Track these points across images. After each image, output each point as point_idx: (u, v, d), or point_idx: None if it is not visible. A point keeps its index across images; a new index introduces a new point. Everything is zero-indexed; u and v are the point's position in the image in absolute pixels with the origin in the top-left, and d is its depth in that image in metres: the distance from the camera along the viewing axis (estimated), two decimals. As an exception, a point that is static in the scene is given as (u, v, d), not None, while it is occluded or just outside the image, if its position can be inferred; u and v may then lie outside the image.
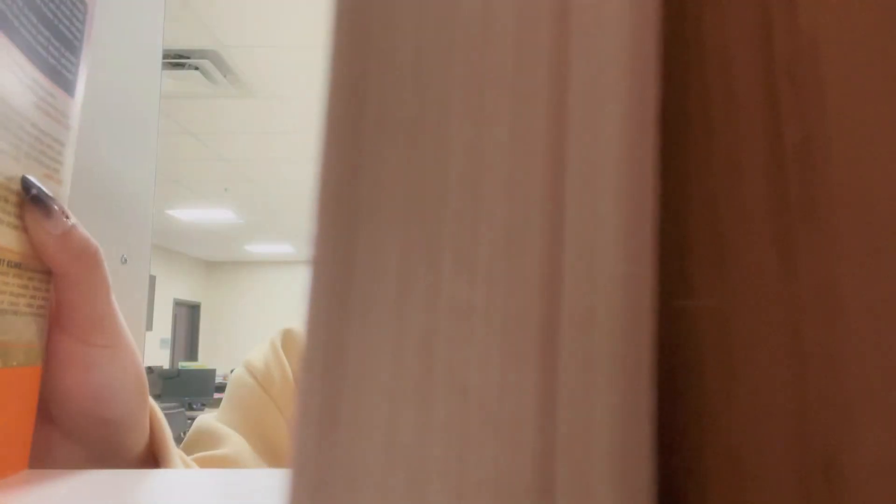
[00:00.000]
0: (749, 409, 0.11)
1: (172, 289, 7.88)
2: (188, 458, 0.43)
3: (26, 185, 0.27)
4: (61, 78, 0.30)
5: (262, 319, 8.44)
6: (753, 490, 0.11)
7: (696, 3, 0.13)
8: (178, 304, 8.22)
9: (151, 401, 0.35)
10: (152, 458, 0.35)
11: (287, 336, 0.57)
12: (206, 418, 0.57)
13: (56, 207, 0.28)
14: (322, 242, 0.12)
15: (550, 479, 0.10)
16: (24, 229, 0.27)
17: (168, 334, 7.80)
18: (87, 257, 0.29)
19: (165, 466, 0.34)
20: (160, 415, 0.36)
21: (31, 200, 0.27)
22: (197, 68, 3.19)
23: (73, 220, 0.29)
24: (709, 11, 0.12)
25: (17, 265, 0.27)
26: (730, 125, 0.12)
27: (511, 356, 0.11)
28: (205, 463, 0.47)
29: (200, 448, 0.51)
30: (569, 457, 0.10)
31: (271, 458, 0.51)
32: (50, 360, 0.29)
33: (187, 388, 5.65)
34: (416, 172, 0.12)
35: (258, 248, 8.05)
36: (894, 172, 0.10)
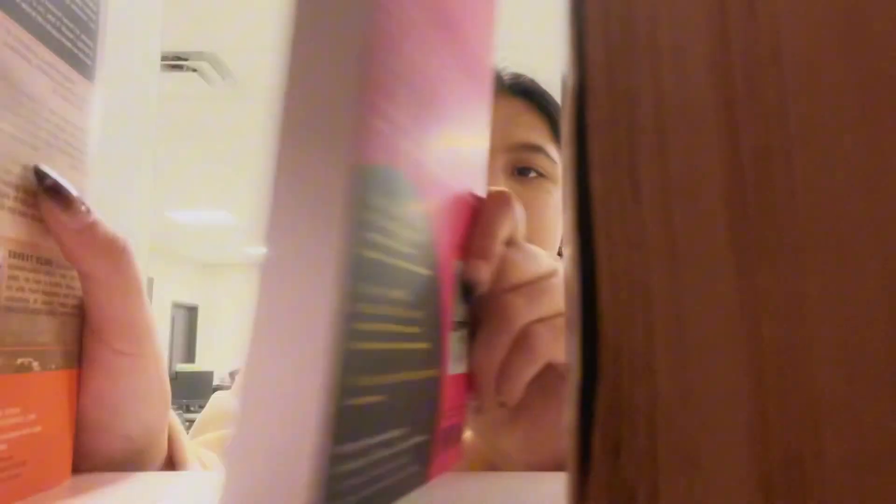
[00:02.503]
0: (705, 408, 0.11)
1: (170, 291, 7.85)
2: (206, 461, 0.42)
3: (40, 174, 0.25)
4: (78, 62, 0.29)
5: (260, 321, 8.37)
6: (711, 487, 0.11)
7: (651, 8, 0.12)
8: (176, 306, 8.20)
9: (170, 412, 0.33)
10: (169, 468, 0.34)
11: None
12: (222, 396, 0.57)
13: (75, 199, 0.26)
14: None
15: None
16: (46, 222, 0.26)
17: (166, 337, 7.77)
18: (113, 255, 0.27)
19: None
20: (178, 426, 0.35)
21: (46, 191, 0.25)
22: (195, 70, 3.18)
23: (94, 214, 0.27)
24: (664, 16, 0.12)
25: (48, 262, 0.26)
26: (685, 130, 0.12)
27: None
28: (220, 443, 0.47)
29: (213, 428, 0.50)
30: None
31: None
32: (84, 359, 0.28)
33: (185, 391, 5.64)
34: None
35: (257, 251, 7.99)
36: (855, 177, 0.11)
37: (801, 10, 0.11)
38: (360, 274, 0.15)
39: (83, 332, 0.28)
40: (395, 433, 0.19)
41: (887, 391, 0.10)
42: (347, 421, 0.15)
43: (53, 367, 0.26)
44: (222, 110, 3.76)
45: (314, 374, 0.14)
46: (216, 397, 0.57)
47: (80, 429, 0.28)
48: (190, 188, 5.35)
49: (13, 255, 0.24)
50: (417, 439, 0.22)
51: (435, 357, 0.23)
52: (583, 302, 0.12)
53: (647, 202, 0.12)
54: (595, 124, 0.13)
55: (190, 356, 8.57)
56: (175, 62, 3.09)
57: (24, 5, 0.25)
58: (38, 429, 0.25)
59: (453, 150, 0.24)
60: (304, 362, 0.14)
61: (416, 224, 0.20)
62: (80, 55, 0.29)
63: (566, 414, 0.12)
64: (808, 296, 0.11)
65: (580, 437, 0.12)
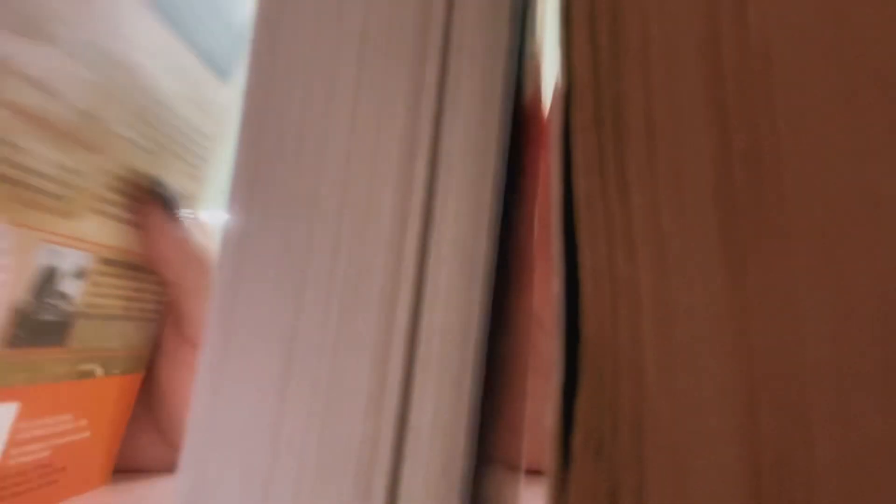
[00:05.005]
0: (694, 408, 0.11)
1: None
2: None
3: (150, 184, 0.25)
4: (214, 62, 0.28)
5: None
6: (699, 488, 0.11)
7: (640, 9, 0.12)
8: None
9: None
10: None
11: None
12: None
13: (180, 212, 0.26)
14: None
15: None
16: (146, 230, 0.26)
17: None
18: (204, 265, 0.27)
19: None
20: None
21: (157, 202, 0.26)
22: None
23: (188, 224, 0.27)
24: (654, 15, 0.12)
25: (135, 267, 0.26)
26: (674, 131, 0.12)
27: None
28: None
29: None
30: None
31: None
32: (164, 363, 0.28)
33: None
34: None
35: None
36: (844, 178, 0.11)
37: (789, 12, 0.11)
38: None
39: (166, 334, 0.28)
40: None
41: (878, 391, 0.10)
42: None
43: (117, 372, 0.26)
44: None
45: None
46: None
47: (166, 422, 0.29)
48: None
49: (103, 261, 0.24)
50: None
51: None
52: (567, 303, 0.12)
53: (635, 203, 0.12)
54: (580, 125, 0.12)
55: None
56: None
57: (167, 5, 0.24)
58: (86, 434, 0.25)
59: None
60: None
61: None
62: (217, 56, 0.28)
63: (548, 414, 0.12)
64: (799, 296, 0.11)
65: (560, 437, 0.12)
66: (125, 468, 0.29)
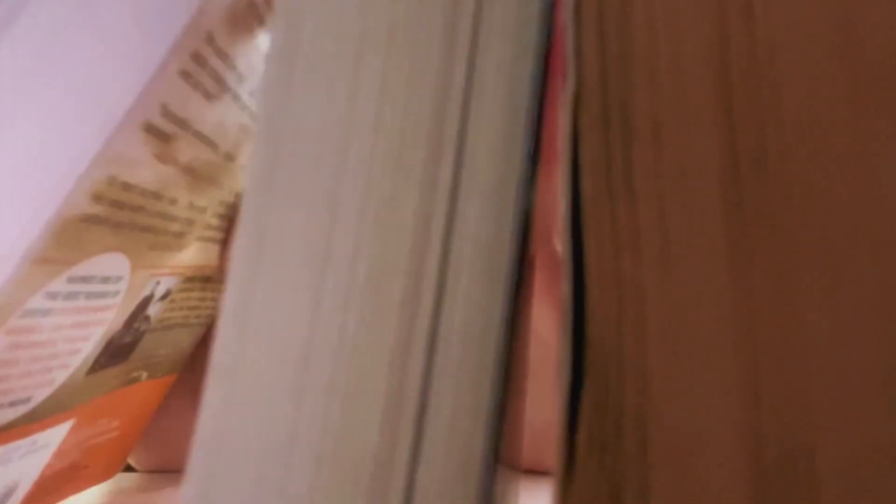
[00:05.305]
0: (698, 408, 0.11)
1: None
2: None
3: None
4: None
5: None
6: (703, 488, 0.11)
7: (649, 10, 0.13)
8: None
9: None
10: None
11: None
12: None
13: None
14: None
15: None
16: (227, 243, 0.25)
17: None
18: None
19: None
20: None
21: None
22: None
23: None
24: (662, 17, 0.12)
25: (208, 279, 0.25)
26: (681, 132, 0.12)
27: None
28: None
29: None
30: None
31: None
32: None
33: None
34: None
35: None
36: (851, 177, 0.11)
37: (796, 13, 0.12)
38: None
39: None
40: None
41: (881, 392, 0.10)
42: None
43: (160, 374, 0.26)
44: None
45: None
46: None
47: None
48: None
49: (185, 279, 0.23)
50: None
51: None
52: (573, 304, 0.12)
53: (641, 204, 0.12)
54: (587, 127, 0.13)
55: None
56: None
57: None
58: (115, 434, 0.24)
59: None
60: None
61: None
62: None
63: (555, 415, 0.12)
64: (804, 298, 0.11)
65: (566, 437, 0.12)
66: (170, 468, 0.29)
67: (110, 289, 0.18)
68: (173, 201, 0.18)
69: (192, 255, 0.22)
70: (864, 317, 0.11)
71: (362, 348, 0.13)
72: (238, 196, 0.23)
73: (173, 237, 0.20)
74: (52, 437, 0.20)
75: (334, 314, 0.14)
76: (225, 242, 0.24)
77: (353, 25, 0.15)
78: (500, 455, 0.15)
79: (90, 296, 0.17)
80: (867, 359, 0.11)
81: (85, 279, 0.16)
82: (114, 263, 0.17)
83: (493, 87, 0.14)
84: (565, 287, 0.12)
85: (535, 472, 0.29)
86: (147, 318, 0.21)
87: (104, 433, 0.23)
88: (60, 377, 0.18)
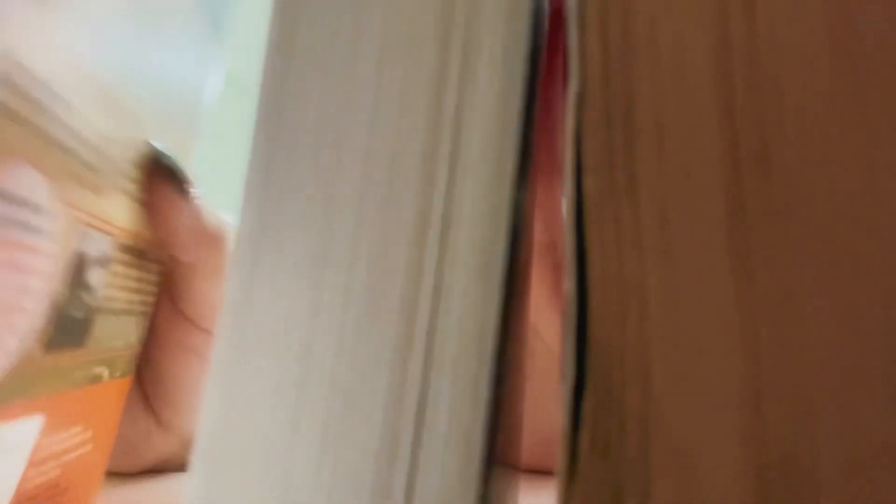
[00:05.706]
0: (700, 409, 0.11)
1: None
2: None
3: (159, 155, 0.22)
4: (215, 21, 0.25)
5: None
6: (705, 488, 0.11)
7: (651, 10, 0.13)
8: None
9: None
10: None
11: None
12: None
13: (191, 184, 0.23)
14: None
15: None
16: (156, 206, 0.22)
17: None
18: (220, 244, 0.24)
19: None
20: None
21: (165, 176, 0.22)
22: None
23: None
24: (664, 16, 0.12)
25: (142, 254, 0.23)
26: (683, 132, 0.12)
27: None
28: None
29: None
30: None
31: None
32: (162, 343, 0.25)
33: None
34: None
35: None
36: (852, 179, 0.11)
37: (798, 12, 0.12)
38: None
39: (176, 315, 0.25)
40: None
41: (883, 393, 0.10)
42: None
43: (119, 374, 0.23)
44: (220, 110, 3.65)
45: None
46: None
47: (163, 406, 0.26)
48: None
49: (121, 247, 0.20)
50: None
51: None
52: (577, 304, 0.12)
53: (643, 203, 0.12)
54: (590, 126, 0.12)
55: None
56: None
57: None
58: (89, 448, 0.21)
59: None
60: None
61: None
62: (218, 16, 0.25)
63: (559, 416, 0.12)
64: (806, 298, 0.11)
65: (569, 438, 0.12)
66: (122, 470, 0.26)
67: (34, 221, 0.15)
68: (69, 107, 0.16)
69: (118, 210, 0.20)
70: (866, 317, 0.11)
71: (362, 347, 0.13)
72: (149, 146, 0.21)
73: (86, 168, 0.17)
74: (22, 436, 0.17)
75: (334, 309, 0.13)
76: (151, 204, 0.22)
77: (349, 21, 0.14)
78: (500, 452, 0.14)
79: (13, 224, 0.14)
80: (869, 360, 0.10)
81: (2, 195, 0.14)
82: (29, 181, 0.15)
83: (488, 83, 0.14)
84: (569, 287, 0.12)
85: (538, 471, 0.28)
86: (89, 289, 0.19)
87: (79, 446, 0.20)
88: (11, 342, 0.15)
